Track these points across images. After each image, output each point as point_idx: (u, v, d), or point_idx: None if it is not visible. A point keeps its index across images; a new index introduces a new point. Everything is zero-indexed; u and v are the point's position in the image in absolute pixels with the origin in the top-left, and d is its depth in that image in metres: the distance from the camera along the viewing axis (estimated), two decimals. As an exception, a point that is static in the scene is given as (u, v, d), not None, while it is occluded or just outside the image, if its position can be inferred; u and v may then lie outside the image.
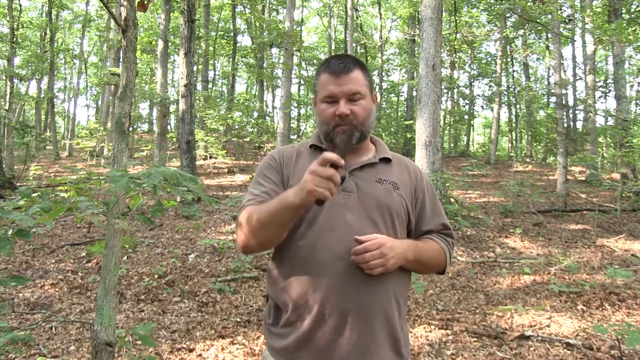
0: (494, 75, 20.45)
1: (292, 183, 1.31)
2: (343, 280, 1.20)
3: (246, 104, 20.30)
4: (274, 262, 1.33)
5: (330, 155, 1.06)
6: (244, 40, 34.41)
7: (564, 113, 14.82)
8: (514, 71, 24.86)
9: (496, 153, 19.06)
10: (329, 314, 1.21)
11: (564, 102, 14.65)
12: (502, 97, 20.87)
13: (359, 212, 1.26)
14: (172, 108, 18.17)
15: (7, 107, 15.82)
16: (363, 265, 1.19)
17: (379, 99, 21.66)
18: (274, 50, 21.97)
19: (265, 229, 1.20)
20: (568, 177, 12.00)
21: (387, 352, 1.26)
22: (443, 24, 11.34)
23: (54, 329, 3.61)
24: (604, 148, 17.63)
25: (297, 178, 1.29)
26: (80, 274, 5.07)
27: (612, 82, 15.66)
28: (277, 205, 1.16)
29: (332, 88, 1.29)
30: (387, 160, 1.39)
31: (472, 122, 24.98)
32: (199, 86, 19.25)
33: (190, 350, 3.25)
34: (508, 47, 20.44)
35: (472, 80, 22.24)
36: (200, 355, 3.19)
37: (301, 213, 1.18)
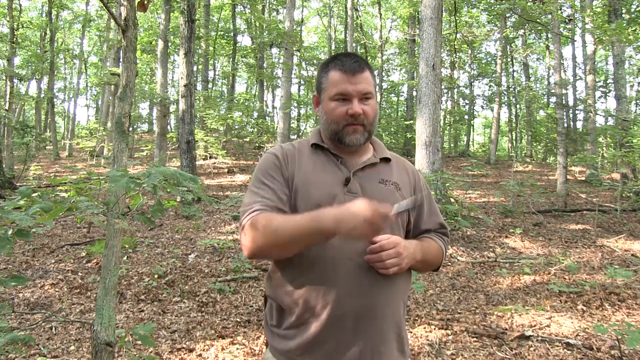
0: (494, 75, 20.46)
1: (297, 182, 1.27)
2: (354, 282, 1.19)
3: (246, 104, 20.31)
4: (278, 264, 1.29)
5: (390, 214, 1.07)
6: (244, 40, 34.45)
7: (564, 113, 14.81)
8: (514, 71, 24.86)
9: (496, 153, 19.06)
10: (341, 316, 1.19)
11: (564, 102, 14.65)
12: (502, 97, 20.87)
13: None
14: (172, 108, 18.18)
15: (7, 107, 15.81)
16: (378, 264, 1.17)
17: (378, 99, 21.72)
18: (274, 50, 21.98)
19: (286, 245, 1.13)
20: (568, 177, 12.00)
21: (394, 353, 1.27)
22: (443, 24, 11.34)
23: (54, 329, 3.61)
24: (604, 148, 17.63)
25: (302, 180, 1.27)
26: (80, 274, 5.07)
27: (612, 82, 15.66)
28: (308, 225, 1.09)
29: (346, 86, 1.27)
30: (386, 160, 1.39)
31: (472, 122, 24.99)
32: (199, 86, 19.25)
33: (190, 350, 3.25)
34: (508, 47, 20.43)
35: (472, 80, 22.25)
36: (200, 355, 3.19)
37: (330, 239, 1.12)
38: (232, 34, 21.61)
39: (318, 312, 1.20)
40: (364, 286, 1.19)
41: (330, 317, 1.19)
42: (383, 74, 22.97)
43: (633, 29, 10.50)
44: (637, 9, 12.54)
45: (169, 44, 15.40)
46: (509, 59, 22.46)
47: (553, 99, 19.22)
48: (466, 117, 23.04)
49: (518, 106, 24.11)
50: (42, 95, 22.34)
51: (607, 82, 20.78)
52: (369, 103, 1.29)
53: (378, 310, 1.22)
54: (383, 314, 1.22)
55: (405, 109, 21.40)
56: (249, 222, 1.18)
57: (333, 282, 1.19)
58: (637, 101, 23.43)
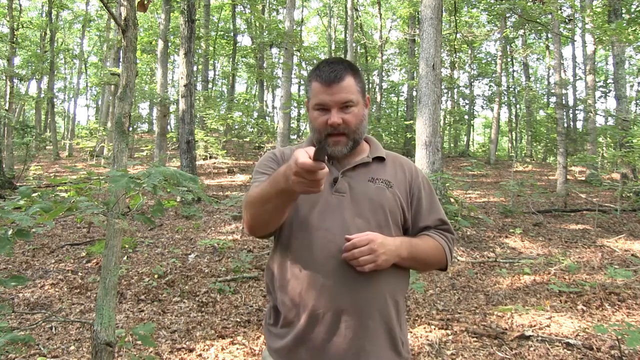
0: (494, 75, 20.46)
1: None
2: (336, 279, 1.20)
3: (246, 104, 20.30)
4: (271, 263, 1.34)
5: (308, 166, 0.98)
6: (244, 40, 34.43)
7: (564, 113, 14.81)
8: (514, 71, 24.87)
9: (496, 153, 19.06)
10: (323, 313, 1.21)
11: (564, 102, 14.65)
12: (502, 97, 20.88)
13: (352, 212, 1.27)
14: (172, 108, 18.17)
15: (7, 107, 15.80)
16: (353, 262, 1.18)
17: (378, 99, 21.69)
18: (274, 50, 21.98)
19: (262, 211, 1.18)
20: (568, 177, 12.00)
21: (386, 352, 1.26)
22: (443, 24, 11.33)
23: (54, 329, 3.61)
24: (604, 148, 17.62)
25: None
26: (80, 274, 5.07)
27: (612, 82, 15.66)
28: (271, 189, 1.12)
29: (323, 97, 1.28)
30: (380, 159, 1.39)
31: (472, 122, 24.99)
32: (199, 86, 19.26)
33: (190, 350, 3.25)
34: (508, 47, 20.43)
35: (472, 80, 22.24)
36: (200, 355, 3.19)
37: (296, 197, 1.13)
38: (232, 34, 21.61)
39: (301, 311, 1.23)
40: (345, 283, 1.21)
41: (311, 315, 1.21)
42: (383, 74, 22.97)
43: (633, 29, 10.50)
44: (637, 9, 12.53)
45: (169, 44, 15.40)
46: (509, 59, 22.47)
47: (553, 99, 19.23)
48: (466, 117, 23.04)
49: (518, 106, 24.12)
50: (42, 95, 22.34)
51: (607, 82, 20.79)
52: (350, 111, 1.29)
53: (362, 308, 1.22)
54: (366, 311, 1.22)
55: (405, 109, 21.40)
56: (243, 205, 1.28)
57: (315, 280, 1.21)
58: (637, 101, 23.44)
